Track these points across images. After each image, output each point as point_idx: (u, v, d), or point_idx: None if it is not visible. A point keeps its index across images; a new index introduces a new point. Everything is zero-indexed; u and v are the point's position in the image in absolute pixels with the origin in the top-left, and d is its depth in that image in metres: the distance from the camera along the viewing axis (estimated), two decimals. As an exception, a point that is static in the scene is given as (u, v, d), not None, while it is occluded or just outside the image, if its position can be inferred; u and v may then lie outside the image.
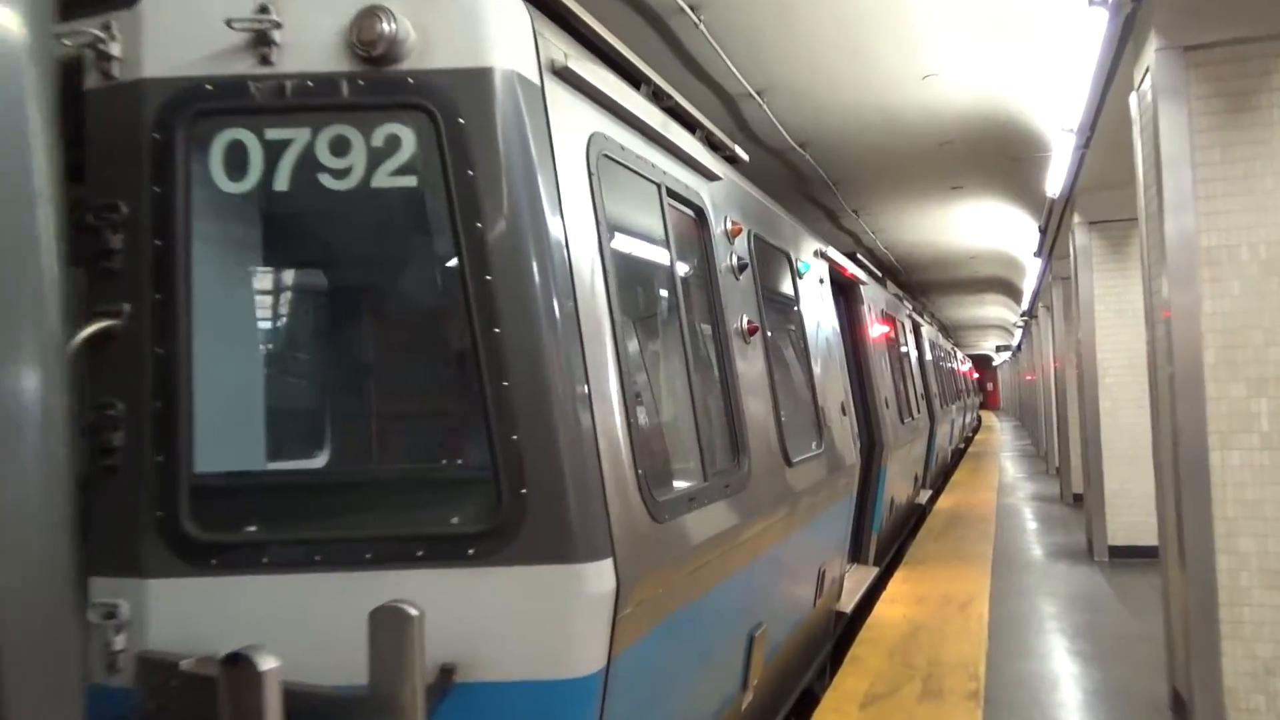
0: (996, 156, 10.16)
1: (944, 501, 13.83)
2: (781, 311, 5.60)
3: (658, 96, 4.02)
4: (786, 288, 5.66)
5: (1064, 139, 7.07)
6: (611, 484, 2.59)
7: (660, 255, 3.56)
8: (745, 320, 4.29)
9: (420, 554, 2.38)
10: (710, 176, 4.20)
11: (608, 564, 2.49)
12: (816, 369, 5.79)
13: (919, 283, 23.90)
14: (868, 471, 8.50)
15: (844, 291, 8.59)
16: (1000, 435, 31.70)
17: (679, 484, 3.29)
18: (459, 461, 2.79)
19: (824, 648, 6.27)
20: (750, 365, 4.31)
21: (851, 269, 8.41)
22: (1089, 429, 8.71)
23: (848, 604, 6.79)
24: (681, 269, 3.72)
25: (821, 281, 6.61)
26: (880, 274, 12.91)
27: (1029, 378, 27.56)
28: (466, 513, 2.44)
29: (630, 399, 2.83)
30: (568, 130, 2.76)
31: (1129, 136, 6.66)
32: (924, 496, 13.32)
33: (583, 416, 2.53)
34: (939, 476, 17.10)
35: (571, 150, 2.76)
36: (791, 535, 4.82)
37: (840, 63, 8.03)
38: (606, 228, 2.90)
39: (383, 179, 2.47)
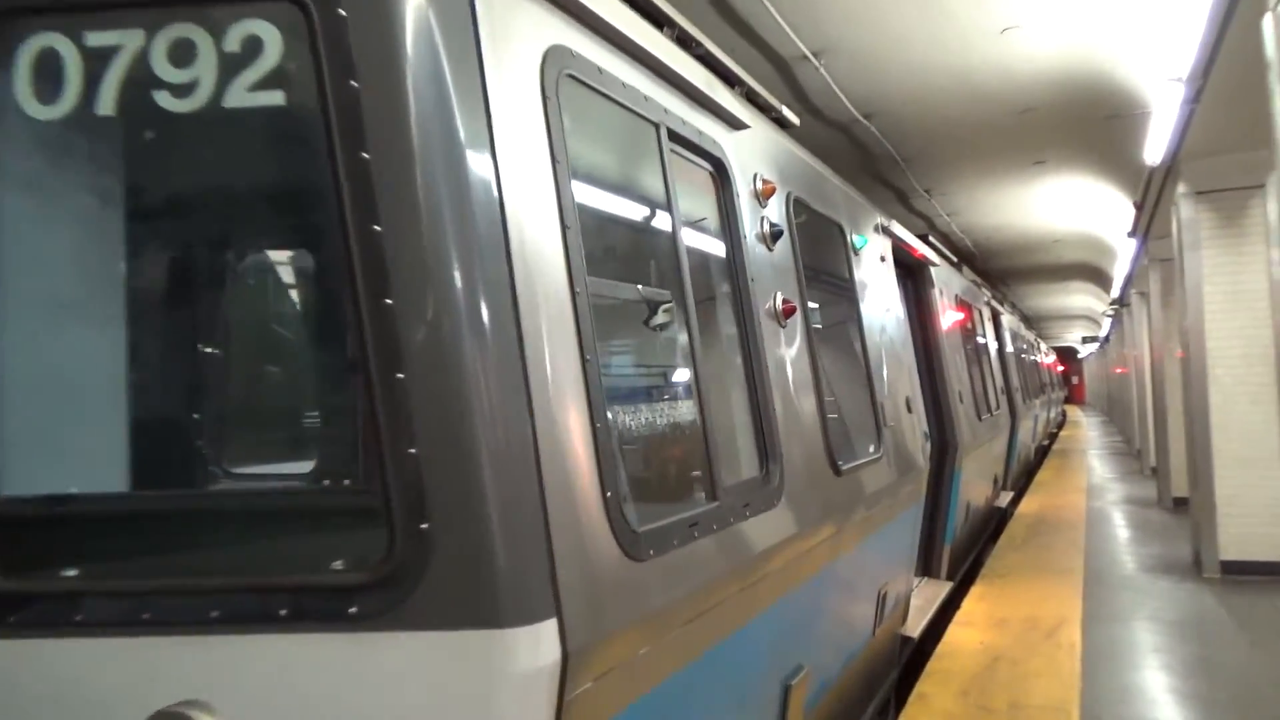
0: (1085, 122, 9.10)
1: (1027, 504, 12.75)
2: (830, 291, 4.81)
3: (684, 44, 3.29)
4: (837, 264, 4.87)
5: (1169, 92, 6.08)
6: (561, 511, 1.89)
7: (656, 213, 2.83)
8: (779, 299, 3.53)
9: (283, 613, 1.72)
10: (735, 124, 3.45)
11: (549, 626, 1.79)
12: (875, 359, 4.98)
13: (997, 270, 22.56)
14: (939, 474, 7.61)
15: (911, 274, 7.71)
16: (1087, 431, 29.99)
17: (673, 506, 2.57)
18: (338, 483, 2.11)
19: (887, 679, 5.46)
20: (786, 353, 3.54)
21: (921, 249, 7.53)
22: (1196, 427, 7.65)
23: (915, 627, 5.95)
24: (689, 232, 2.99)
25: (883, 260, 5.78)
26: (955, 259, 11.93)
27: (1119, 370, 25.90)
28: (347, 555, 1.76)
29: (598, 396, 2.11)
30: (509, 35, 2.06)
31: (1251, 81, 5.64)
32: (1005, 499, 12.28)
33: (516, 420, 1.84)
34: (1021, 476, 15.95)
35: (513, 62, 2.06)
36: (842, 556, 4.05)
37: (906, 17, 7.15)
38: (568, 170, 2.19)
39: (239, 96, 1.81)
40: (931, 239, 10.51)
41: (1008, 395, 12.72)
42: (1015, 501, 13.51)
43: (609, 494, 2.08)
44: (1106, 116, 8.44)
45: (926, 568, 7.60)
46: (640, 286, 2.70)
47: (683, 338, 2.73)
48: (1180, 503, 11.70)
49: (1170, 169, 7.88)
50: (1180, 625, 6.29)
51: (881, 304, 5.47)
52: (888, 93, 8.74)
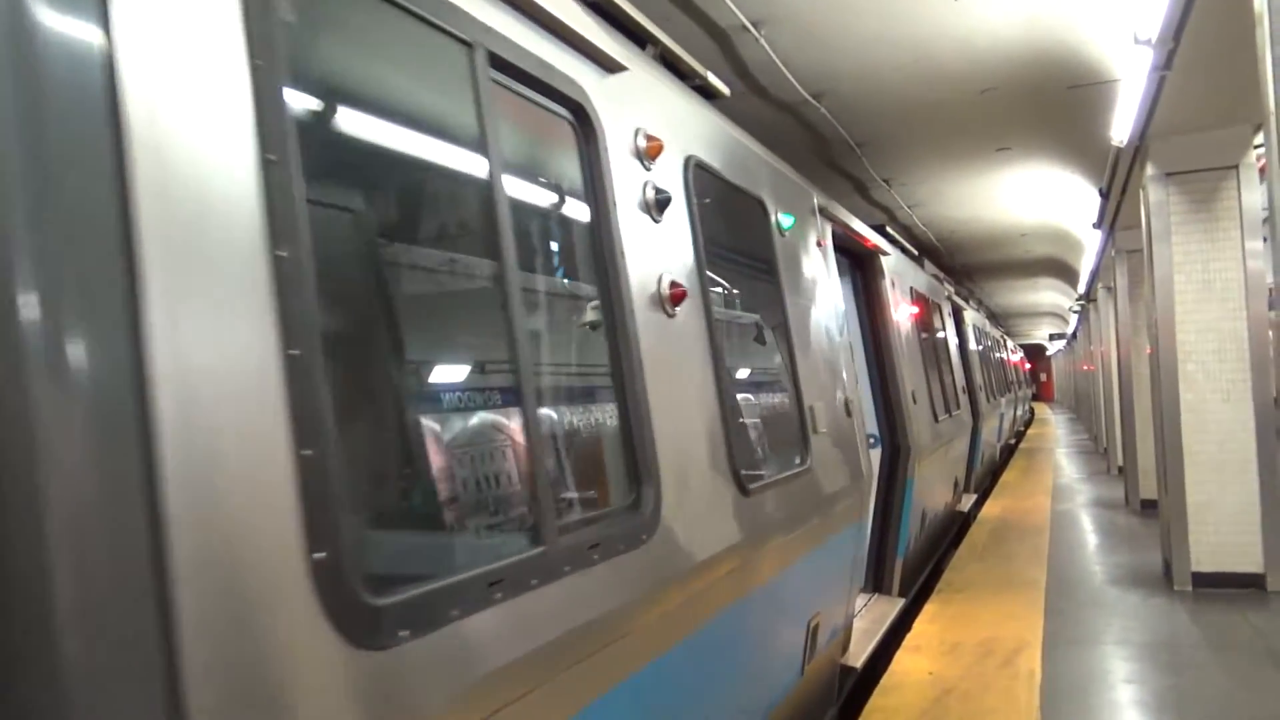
0: (1049, 99, 8.53)
1: (991, 507, 12.21)
2: (745, 277, 4.16)
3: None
4: (756, 246, 4.21)
5: (1136, 58, 5.49)
6: (207, 593, 1.21)
7: (466, 161, 2.16)
8: (666, 282, 2.87)
9: None
10: (606, 64, 2.77)
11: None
12: (803, 357, 4.33)
13: (964, 266, 22.12)
14: (891, 482, 7.00)
15: (860, 264, 7.09)
16: (1054, 429, 29.68)
17: (458, 562, 1.89)
18: None
19: (824, 720, 4.82)
20: (673, 349, 2.88)
21: (871, 236, 6.91)
22: (1166, 427, 7.09)
23: (859, 655, 5.32)
24: (520, 188, 2.31)
25: (820, 245, 5.14)
26: (916, 253, 11.36)
27: (1086, 367, 25.58)
28: None
29: (311, 407, 1.43)
30: None
31: (1226, 47, 5.07)
32: (967, 503, 11.73)
33: (111, 458, 1.15)
34: (986, 477, 15.45)
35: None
36: (755, 591, 3.39)
37: (853, -18, 6.54)
38: (282, 77, 1.51)
39: None
40: (890, 230, 9.93)
41: (970, 394, 12.17)
42: (980, 503, 12.98)
43: (321, 555, 1.39)
44: (1070, 87, 7.86)
45: (877, 583, 6.99)
46: (427, 250, 2.01)
47: (504, 322, 2.05)
48: (1149, 505, 11.19)
49: (1139, 150, 7.32)
50: (1151, 649, 5.70)
51: (815, 294, 4.82)
52: (837, 69, 8.12)
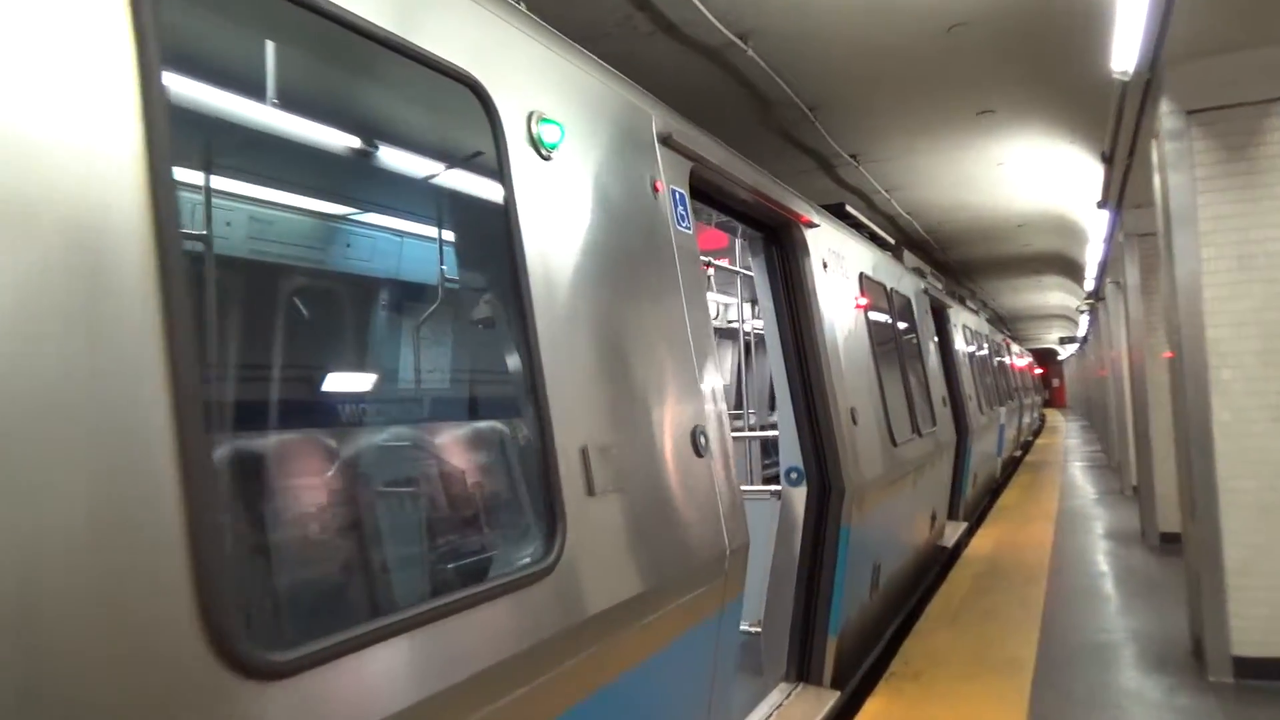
0: (1033, 35, 6.70)
1: (983, 539, 10.34)
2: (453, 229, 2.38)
3: None
4: (472, 171, 2.41)
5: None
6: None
7: None
8: None
9: None
10: None
11: None
12: (567, 374, 2.51)
13: (960, 263, 20.25)
14: (820, 533, 5.16)
15: (776, 237, 5.27)
16: (1065, 438, 27.69)
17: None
18: None
19: None
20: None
21: (781, 196, 5.07)
22: (1195, 456, 5.24)
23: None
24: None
25: (657, 191, 3.31)
26: (890, 240, 9.50)
27: (1100, 373, 23.64)
28: None
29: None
30: None
31: None
32: (953, 534, 9.86)
33: None
34: (984, 498, 13.56)
35: None
36: None
37: None
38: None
39: None
40: (851, 209, 8.10)
41: (954, 407, 10.30)
42: (972, 530, 11.11)
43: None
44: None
45: (802, 670, 5.16)
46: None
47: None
48: (1170, 540, 9.31)
49: (1149, 84, 5.48)
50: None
51: (635, 272, 3.01)
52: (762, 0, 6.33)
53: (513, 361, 2.33)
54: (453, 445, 2.34)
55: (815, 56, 7.53)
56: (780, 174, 5.29)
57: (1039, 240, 17.28)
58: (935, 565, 9.11)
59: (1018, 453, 21.32)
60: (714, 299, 9.96)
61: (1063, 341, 43.81)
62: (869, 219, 8.64)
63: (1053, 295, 27.87)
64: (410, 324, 2.43)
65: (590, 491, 2.42)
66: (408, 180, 2.46)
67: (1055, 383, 57.75)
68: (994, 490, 15.17)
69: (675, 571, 2.84)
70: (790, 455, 5.17)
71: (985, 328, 17.15)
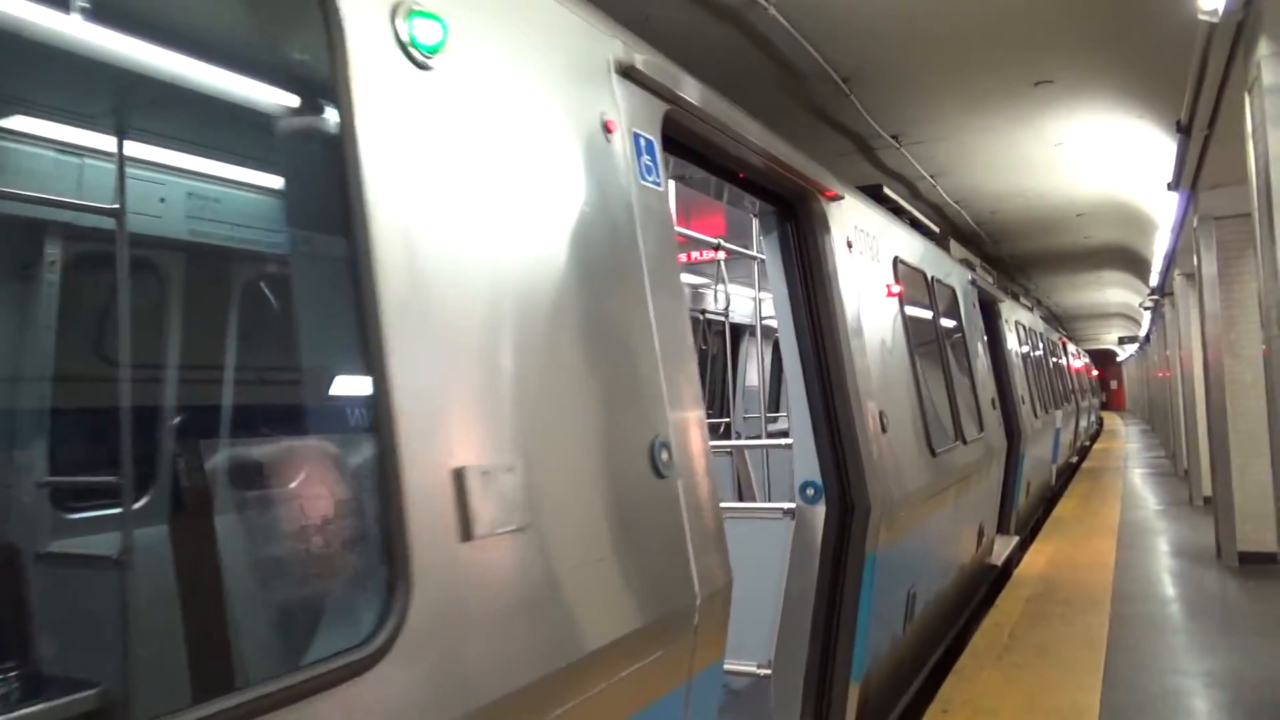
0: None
1: (1036, 555, 9.41)
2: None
3: None
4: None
5: None
6: None
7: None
8: None
9: None
10: None
11: None
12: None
13: (1013, 258, 19.12)
14: (839, 562, 4.36)
15: (790, 210, 4.48)
16: (1124, 442, 26.30)
17: None
18: None
19: None
20: None
21: (798, 164, 4.28)
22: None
23: None
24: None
25: (610, 132, 2.57)
26: (935, 227, 8.63)
27: (1161, 374, 22.29)
28: None
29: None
30: None
31: None
32: (1004, 550, 8.93)
33: None
34: (1035, 511, 12.55)
35: None
36: None
37: None
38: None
39: None
40: (889, 190, 7.27)
41: (1005, 409, 9.38)
42: (1024, 545, 10.18)
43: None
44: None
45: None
46: None
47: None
48: (1252, 561, 8.31)
49: (1240, 28, 4.59)
50: None
51: (554, 240, 2.27)
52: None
53: (336, 353, 1.61)
54: (221, 472, 1.63)
55: (846, 18, 6.71)
56: (814, 158, 4.52)
57: (1100, 231, 16.15)
58: (983, 585, 8.23)
59: (1074, 459, 20.13)
60: (748, 293, 9.15)
61: (1122, 341, 42.05)
62: (913, 209, 7.80)
63: (1113, 292, 26.47)
64: (163, 296, 1.72)
65: (466, 535, 1.69)
66: (182, 92, 1.76)
67: (1113, 385, 56.02)
68: (1049, 500, 14.14)
69: (613, 634, 2.10)
70: (806, 468, 4.38)
71: (1040, 325, 16.07)
